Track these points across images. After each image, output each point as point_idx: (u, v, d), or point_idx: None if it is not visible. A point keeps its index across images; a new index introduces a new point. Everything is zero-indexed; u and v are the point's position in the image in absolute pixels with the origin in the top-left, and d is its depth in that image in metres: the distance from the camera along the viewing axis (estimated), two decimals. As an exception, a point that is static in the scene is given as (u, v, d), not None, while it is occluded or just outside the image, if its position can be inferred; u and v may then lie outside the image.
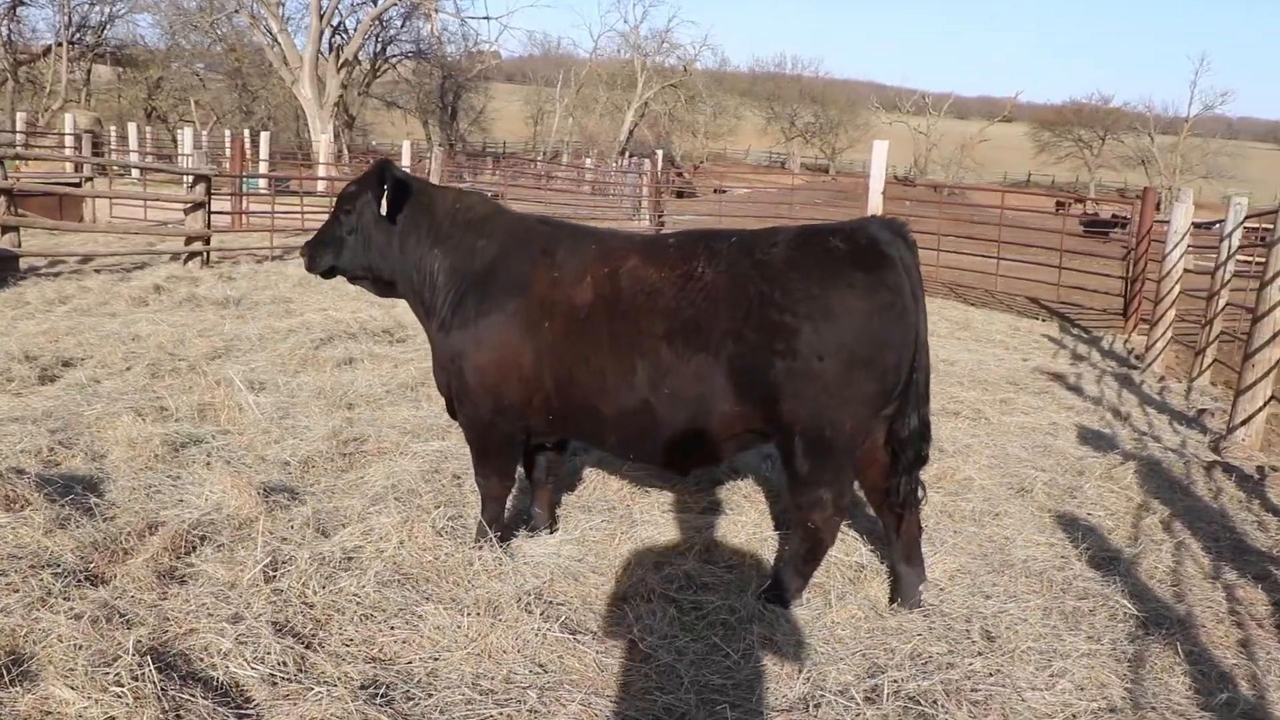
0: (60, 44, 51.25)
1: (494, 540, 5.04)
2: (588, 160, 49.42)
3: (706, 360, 4.41)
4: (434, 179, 20.71)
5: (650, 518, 5.65)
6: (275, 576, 4.52)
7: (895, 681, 4.03)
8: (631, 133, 64.01)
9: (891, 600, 4.88)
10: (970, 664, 4.22)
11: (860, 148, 76.04)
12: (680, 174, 42.76)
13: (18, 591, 4.28)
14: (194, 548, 4.90)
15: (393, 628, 4.23)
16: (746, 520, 5.69)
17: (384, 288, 5.41)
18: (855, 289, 4.28)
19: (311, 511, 5.42)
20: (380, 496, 5.89)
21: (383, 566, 4.73)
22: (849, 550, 5.29)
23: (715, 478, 6.29)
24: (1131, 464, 7.22)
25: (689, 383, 4.45)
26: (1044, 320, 16.66)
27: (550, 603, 4.55)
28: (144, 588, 4.44)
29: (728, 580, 4.94)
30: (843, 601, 4.75)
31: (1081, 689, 4.12)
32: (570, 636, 4.21)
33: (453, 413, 5.24)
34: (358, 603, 4.39)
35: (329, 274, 5.39)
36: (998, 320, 16.08)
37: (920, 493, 4.80)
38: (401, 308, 8.62)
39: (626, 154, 56.06)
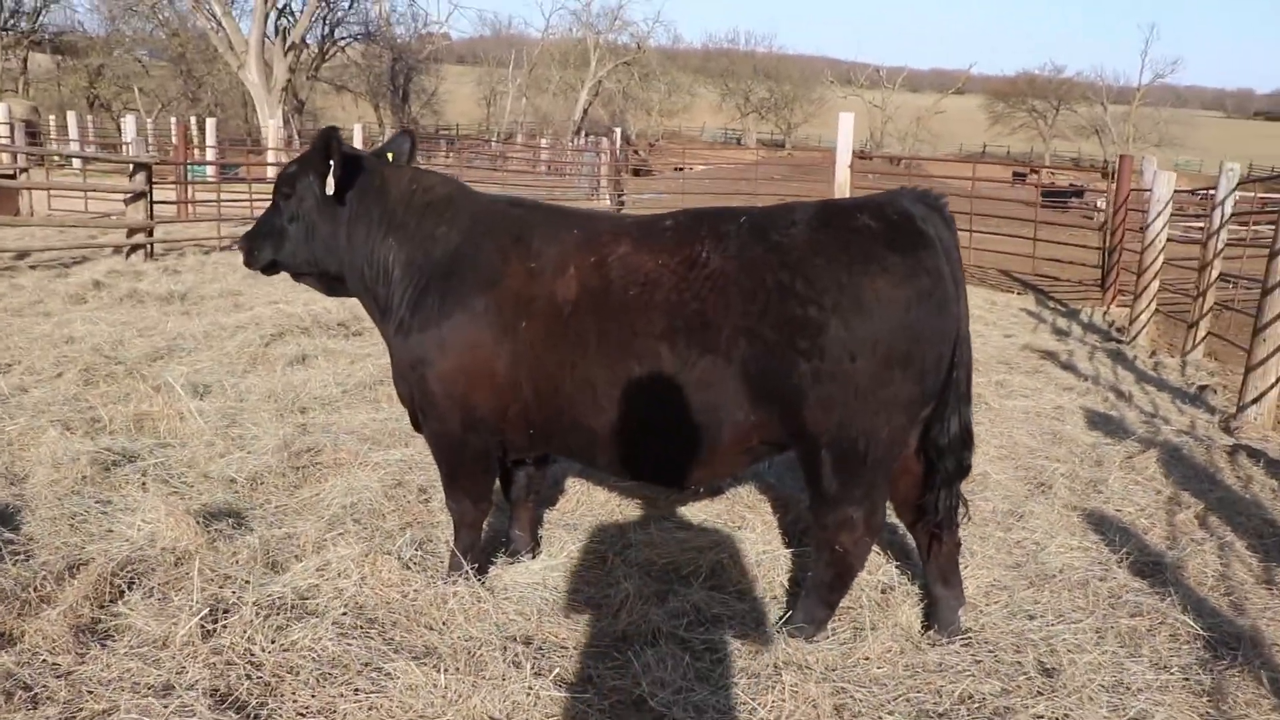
0: (-6, 31, 49.43)
1: (469, 573, 4.34)
2: (543, 140, 48.43)
3: (715, 363, 3.73)
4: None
5: (646, 537, 4.97)
6: (215, 630, 3.79)
7: (952, 736, 3.43)
8: (586, 112, 62.97)
9: (926, 627, 4.26)
10: (1032, 708, 3.60)
11: (815, 122, 75.75)
12: (637, 152, 41.97)
13: (-95, 660, 3.56)
14: (121, 593, 4.18)
15: (356, 690, 3.53)
16: (753, 535, 5.04)
17: (332, 284, 4.70)
18: (890, 274, 3.61)
19: (259, 541, 4.70)
20: (338, 519, 5.18)
21: (343, 610, 4.03)
22: (872, 569, 4.65)
23: (712, 485, 5.64)
24: (1152, 451, 6.66)
25: (695, 391, 3.78)
26: (1019, 294, 16.19)
27: (541, 649, 3.87)
28: (58, 649, 3.72)
29: (741, 611, 4.29)
30: (875, 632, 4.11)
31: (1162, 733, 3.54)
32: (567, 695, 3.53)
33: (417, 425, 4.51)
34: (314, 659, 3.69)
35: (270, 269, 4.67)
36: (973, 295, 15.47)
37: (963, 509, 4.17)
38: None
39: (582, 133, 55.12)
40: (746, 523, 5.27)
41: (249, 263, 4.65)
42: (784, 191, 24.32)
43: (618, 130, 34.65)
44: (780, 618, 4.19)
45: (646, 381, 3.81)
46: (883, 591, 4.53)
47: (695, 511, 5.46)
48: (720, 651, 3.92)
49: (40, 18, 53.00)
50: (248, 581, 4.22)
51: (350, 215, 4.41)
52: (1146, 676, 3.87)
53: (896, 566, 4.77)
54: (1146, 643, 4.19)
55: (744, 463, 4.11)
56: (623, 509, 5.51)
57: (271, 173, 26.63)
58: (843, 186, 18.96)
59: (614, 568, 4.68)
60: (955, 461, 3.98)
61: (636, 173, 37.62)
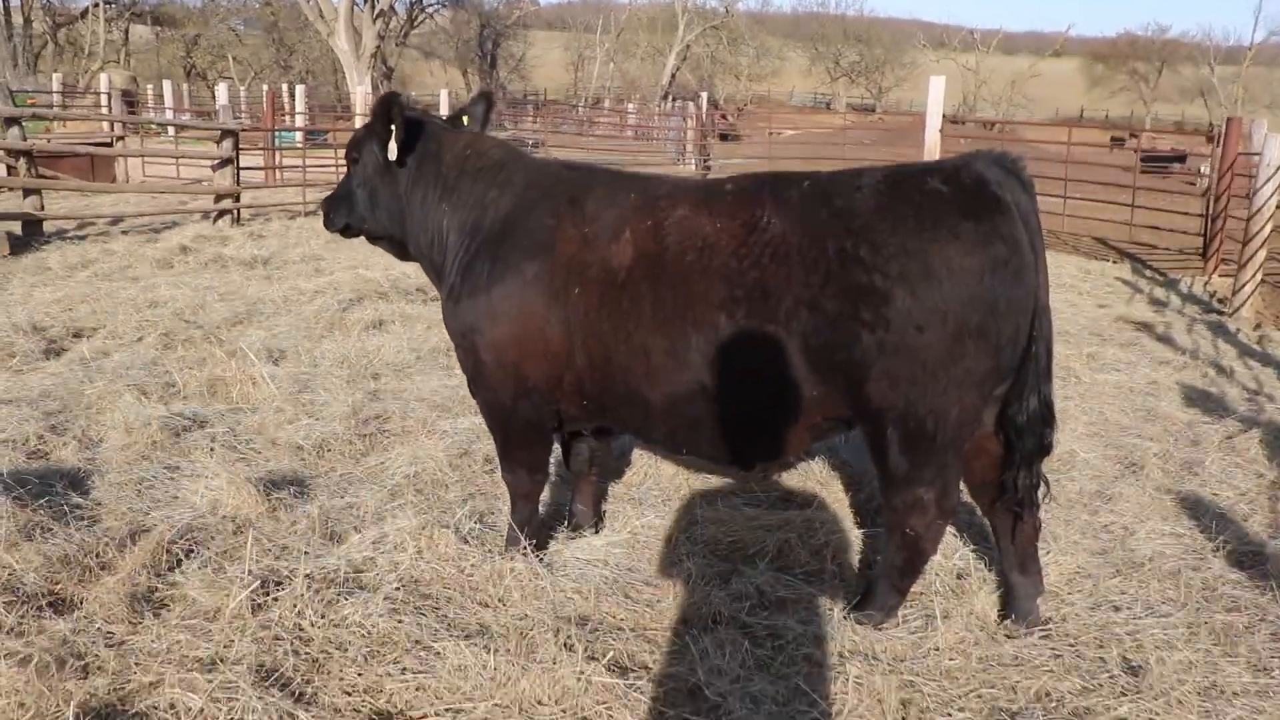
0: (97, 4, 50.65)
1: (527, 548, 4.23)
2: (629, 105, 48.11)
3: (776, 333, 3.55)
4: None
5: (712, 513, 4.80)
6: (266, 603, 3.73)
7: (1027, 737, 3.21)
8: (674, 77, 62.26)
9: (1003, 616, 4.03)
10: (1114, 709, 3.36)
11: (907, 87, 74.01)
12: (724, 117, 41.38)
13: (-36, 625, 3.56)
14: (179, 561, 4.15)
15: (404, 669, 3.44)
16: (825, 514, 4.82)
17: (400, 249, 4.67)
18: (961, 241, 3.40)
19: (319, 511, 4.64)
20: (400, 489, 5.12)
21: (396, 584, 3.93)
22: (947, 552, 4.42)
23: (780, 464, 5.43)
24: (1254, 431, 6.27)
25: (754, 361, 3.59)
26: (1115, 262, 15.54)
27: (596, 631, 3.73)
28: (114, 618, 3.70)
29: (807, 596, 4.09)
30: (948, 621, 3.88)
31: (1260, 743, 3.28)
32: (619, 681, 3.38)
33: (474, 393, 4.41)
34: (364, 635, 3.61)
35: (346, 232, 4.66)
36: (1066, 263, 15.00)
37: (1043, 489, 3.90)
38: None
39: (669, 98, 54.64)
40: (818, 501, 5.07)
41: (327, 225, 4.67)
42: (873, 156, 23.76)
43: (704, 95, 34.14)
44: (849, 603, 3.99)
45: (703, 352, 3.64)
46: (958, 577, 4.30)
47: (765, 488, 5.27)
48: (783, 638, 3.74)
49: (143, -9, 54.31)
50: (304, 553, 4.16)
51: (410, 180, 4.37)
52: (1244, 679, 3.60)
53: (973, 550, 4.53)
54: (1244, 641, 3.90)
55: (806, 440, 3.90)
56: (690, 483, 5.34)
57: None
58: (932, 151, 18.45)
59: (678, 545, 4.53)
60: (1035, 440, 3.75)
61: (724, 138, 37.03)
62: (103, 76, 34.59)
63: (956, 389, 3.48)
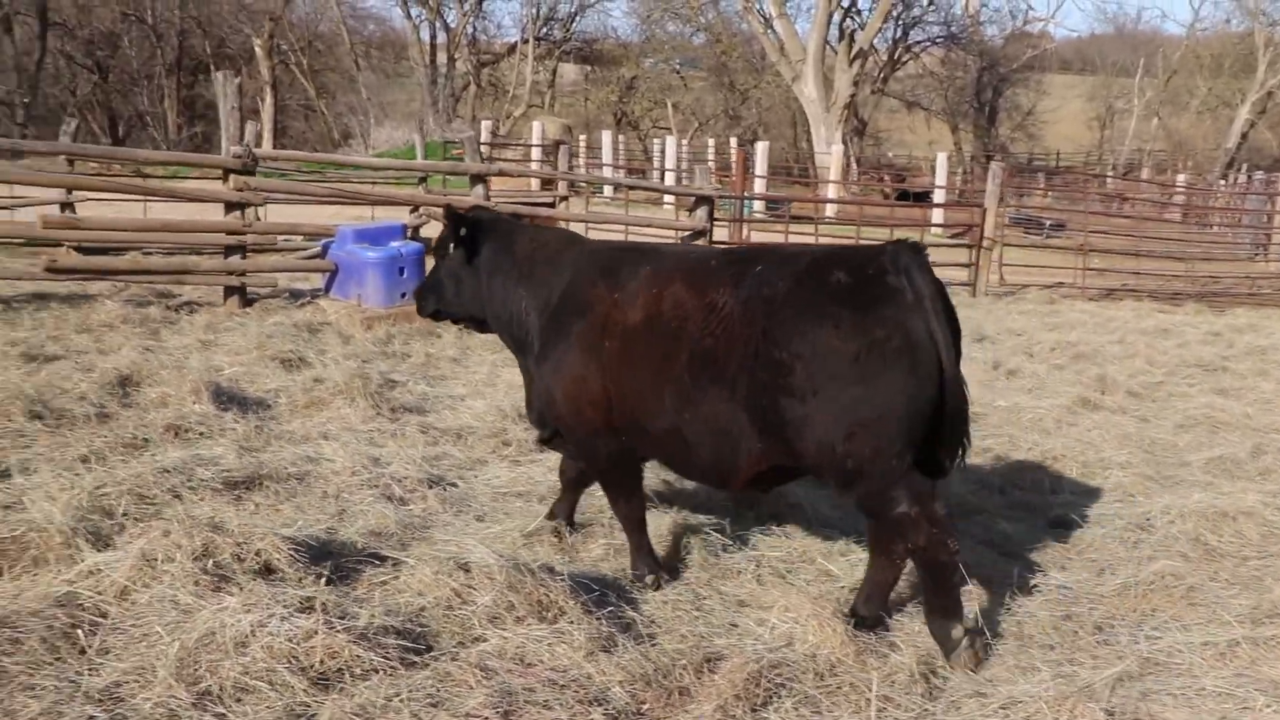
0: (526, 40, 56.59)
1: (654, 573, 6.14)
2: (1179, 176, 46.78)
3: (723, 394, 5.39)
4: (990, 201, 20.33)
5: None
6: (897, 759, 4.21)
7: None
8: (1244, 137, 59.41)
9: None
10: None
11: None
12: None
13: (564, 729, 4.30)
14: (771, 697, 4.74)
15: None
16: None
17: (481, 326, 7.01)
18: (841, 329, 5.08)
19: (915, 662, 5.11)
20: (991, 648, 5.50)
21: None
22: None
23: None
24: None
25: (712, 414, 5.47)
26: None
27: None
28: (724, 749, 4.31)
29: None
30: None
31: None
32: None
33: (543, 442, 6.82)
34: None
35: (436, 316, 7.18)
36: None
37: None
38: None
39: (1238, 167, 52.45)
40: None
41: (420, 311, 7.11)
42: None
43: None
44: None
45: (677, 400, 5.56)
46: None
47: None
48: None
49: (574, 24, 60.09)
50: (912, 711, 4.60)
51: (488, 271, 6.62)
52: None
53: None
54: None
55: (770, 480, 5.83)
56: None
57: (830, 210, 28.19)
58: None
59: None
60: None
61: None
62: (535, 125, 38.72)
63: (860, 436, 5.11)
